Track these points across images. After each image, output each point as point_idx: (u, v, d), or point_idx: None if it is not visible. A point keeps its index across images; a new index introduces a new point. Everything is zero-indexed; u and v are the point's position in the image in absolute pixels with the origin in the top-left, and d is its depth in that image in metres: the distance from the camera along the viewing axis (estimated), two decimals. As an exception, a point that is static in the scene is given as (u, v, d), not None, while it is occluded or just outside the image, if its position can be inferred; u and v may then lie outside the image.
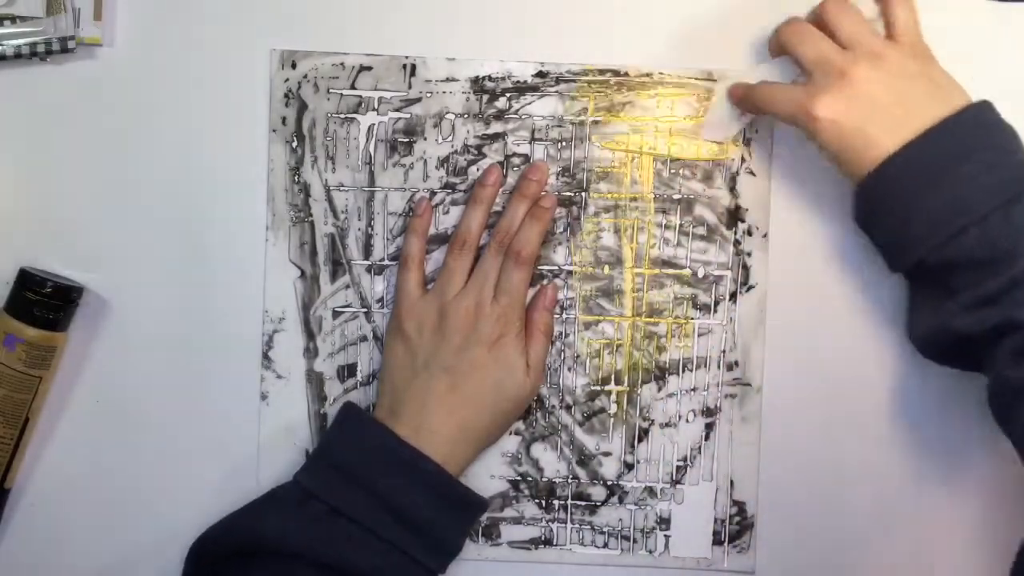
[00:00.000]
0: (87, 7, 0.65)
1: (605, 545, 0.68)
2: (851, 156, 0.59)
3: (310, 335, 0.67)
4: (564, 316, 0.67)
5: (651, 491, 0.68)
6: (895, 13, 0.60)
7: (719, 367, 0.67)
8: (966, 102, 0.58)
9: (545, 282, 0.67)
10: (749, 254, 0.67)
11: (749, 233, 0.67)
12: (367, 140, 0.67)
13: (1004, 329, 0.55)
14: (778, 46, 0.63)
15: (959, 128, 0.57)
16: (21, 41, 0.64)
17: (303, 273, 0.67)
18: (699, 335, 0.67)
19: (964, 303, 0.57)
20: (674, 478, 0.68)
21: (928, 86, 0.58)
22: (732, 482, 0.67)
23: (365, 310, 0.67)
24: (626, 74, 0.67)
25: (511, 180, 0.67)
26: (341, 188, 0.67)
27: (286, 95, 0.67)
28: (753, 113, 0.65)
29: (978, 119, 0.58)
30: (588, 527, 0.68)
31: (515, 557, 0.68)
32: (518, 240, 0.65)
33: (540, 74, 0.67)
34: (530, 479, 0.68)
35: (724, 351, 0.67)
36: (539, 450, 0.68)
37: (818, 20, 0.61)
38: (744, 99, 0.64)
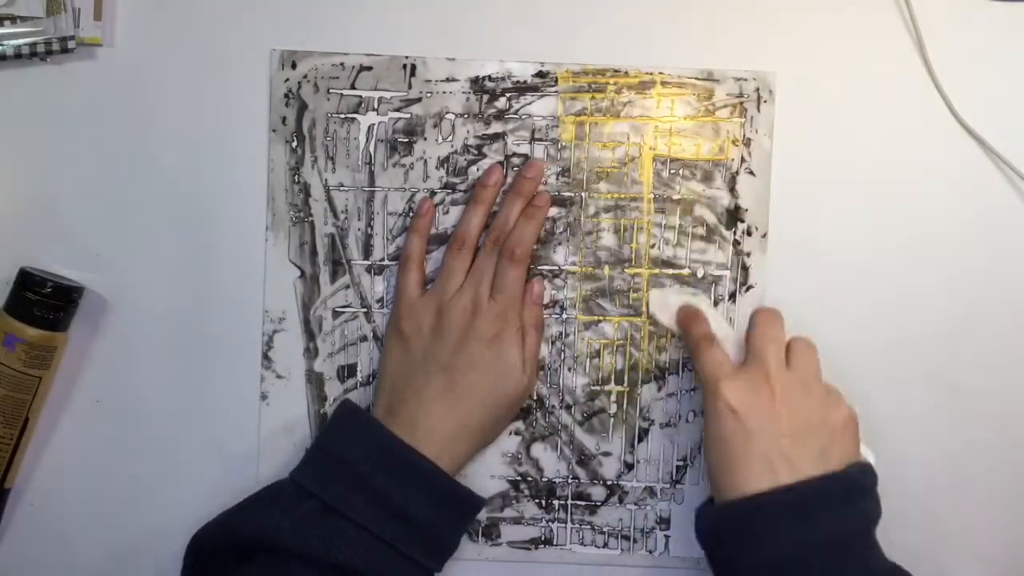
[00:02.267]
0: (87, 7, 0.65)
1: (605, 545, 0.68)
2: (726, 459, 0.58)
3: (310, 335, 0.67)
4: (564, 316, 0.67)
5: (651, 491, 0.68)
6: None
7: (719, 367, 0.67)
8: (848, 464, 0.59)
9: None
10: (748, 254, 0.67)
11: (748, 233, 0.67)
12: (367, 140, 0.67)
13: None
14: (750, 321, 0.63)
15: (838, 489, 0.58)
16: (21, 41, 0.64)
17: (303, 273, 0.67)
18: (699, 335, 0.67)
19: None
20: (674, 478, 0.68)
21: (823, 441, 0.59)
22: (732, 482, 0.67)
23: (365, 310, 0.67)
24: (626, 74, 0.67)
25: (511, 180, 0.67)
26: (341, 188, 0.67)
27: (286, 95, 0.67)
28: (676, 336, 0.67)
29: (858, 481, 0.59)
30: (588, 527, 0.68)
31: (515, 557, 0.68)
32: (512, 238, 0.65)
33: (540, 74, 0.67)
34: (530, 479, 0.68)
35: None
36: (539, 450, 0.68)
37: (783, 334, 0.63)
38: (684, 322, 0.65)
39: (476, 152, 0.67)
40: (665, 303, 0.67)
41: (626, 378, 0.68)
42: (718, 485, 0.59)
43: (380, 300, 0.67)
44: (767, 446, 0.58)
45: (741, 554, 0.58)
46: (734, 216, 0.67)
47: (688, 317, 0.65)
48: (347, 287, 0.67)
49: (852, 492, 0.58)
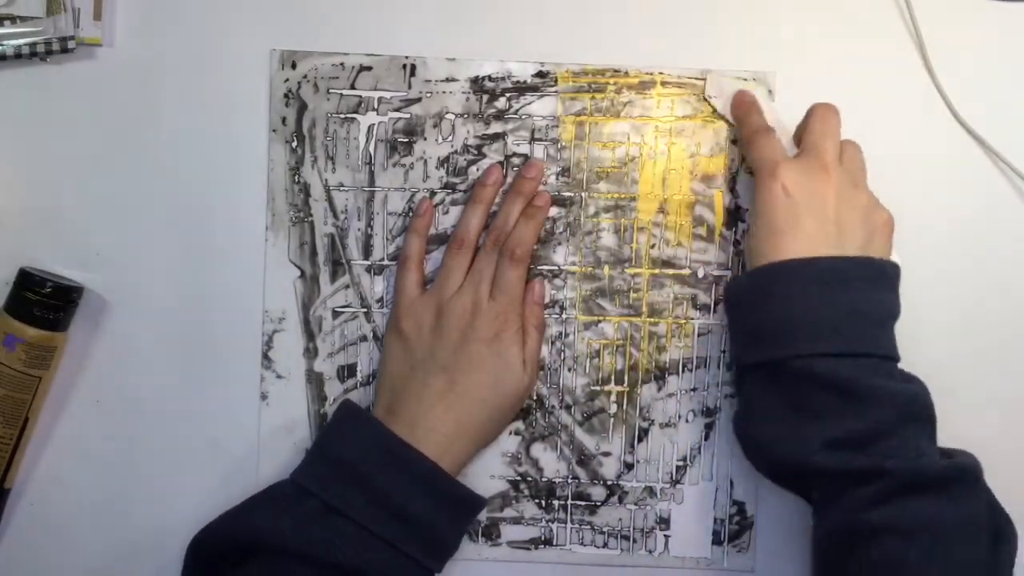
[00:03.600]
0: (87, 7, 0.65)
1: (605, 545, 0.68)
2: (772, 233, 0.60)
3: (310, 335, 0.67)
4: (564, 316, 0.67)
5: (651, 491, 0.68)
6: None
7: (719, 367, 0.68)
8: (886, 257, 0.62)
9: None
10: (749, 254, 0.67)
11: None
12: (367, 140, 0.67)
13: (869, 475, 0.56)
14: (804, 120, 0.64)
15: (873, 271, 0.60)
16: (21, 41, 0.64)
17: (303, 273, 0.67)
18: (699, 335, 0.68)
19: (828, 439, 0.57)
20: (674, 478, 0.68)
21: (865, 234, 0.61)
22: (732, 482, 0.68)
23: (365, 310, 0.67)
24: (626, 74, 0.67)
25: (511, 180, 0.67)
26: (341, 188, 0.67)
27: (286, 95, 0.67)
28: (732, 125, 0.67)
29: (889, 273, 0.61)
30: (588, 527, 0.68)
31: (515, 557, 0.68)
32: (512, 238, 0.65)
33: (540, 74, 0.67)
34: (530, 479, 0.68)
35: (724, 351, 0.67)
36: (539, 450, 0.68)
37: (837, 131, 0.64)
38: (738, 112, 0.66)
39: (476, 152, 0.67)
40: (721, 88, 0.66)
41: (626, 378, 0.68)
42: (759, 259, 0.60)
43: (380, 300, 0.67)
44: (814, 228, 0.59)
45: (771, 313, 0.59)
46: (734, 216, 0.67)
47: (744, 106, 0.66)
48: (347, 287, 0.67)
49: (883, 279, 0.60)
